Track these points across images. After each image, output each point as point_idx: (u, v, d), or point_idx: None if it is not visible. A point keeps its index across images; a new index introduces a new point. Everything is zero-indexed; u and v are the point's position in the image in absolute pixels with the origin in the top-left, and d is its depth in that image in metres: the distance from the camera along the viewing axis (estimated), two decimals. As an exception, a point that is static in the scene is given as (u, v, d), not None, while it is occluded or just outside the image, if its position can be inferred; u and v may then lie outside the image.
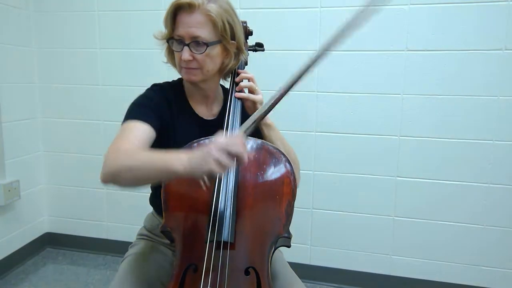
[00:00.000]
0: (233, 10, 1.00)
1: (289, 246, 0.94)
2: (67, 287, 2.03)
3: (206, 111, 1.10)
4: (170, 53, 1.04)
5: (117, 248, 2.29)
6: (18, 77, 2.16)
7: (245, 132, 0.81)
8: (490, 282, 1.89)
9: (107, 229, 2.35)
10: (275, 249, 0.94)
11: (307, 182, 2.02)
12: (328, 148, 1.98)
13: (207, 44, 0.94)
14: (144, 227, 1.20)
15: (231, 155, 0.74)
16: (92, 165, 2.28)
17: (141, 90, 1.05)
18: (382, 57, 1.85)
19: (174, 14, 0.96)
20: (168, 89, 1.07)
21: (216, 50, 0.98)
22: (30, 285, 2.03)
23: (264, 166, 0.96)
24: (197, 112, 1.09)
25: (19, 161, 2.18)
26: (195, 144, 0.97)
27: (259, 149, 0.99)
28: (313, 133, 1.99)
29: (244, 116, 1.01)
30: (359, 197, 1.99)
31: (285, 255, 1.15)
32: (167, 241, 1.01)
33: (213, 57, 0.98)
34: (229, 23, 0.97)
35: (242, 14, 1.03)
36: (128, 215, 2.29)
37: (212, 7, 0.94)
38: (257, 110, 0.87)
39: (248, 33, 1.16)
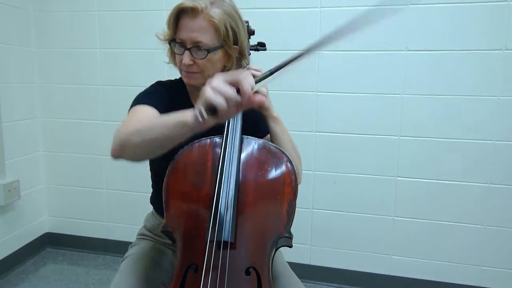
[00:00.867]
0: (238, 14, 0.99)
1: (290, 246, 0.94)
2: (67, 287, 2.03)
3: None
4: (173, 54, 1.04)
5: (117, 248, 2.30)
6: (18, 77, 2.16)
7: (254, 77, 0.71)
8: (490, 282, 1.90)
9: (107, 229, 2.35)
10: (276, 249, 0.93)
11: (307, 182, 2.02)
12: (328, 148, 1.98)
13: (208, 50, 0.94)
14: (144, 226, 1.20)
15: (231, 82, 0.65)
16: (92, 165, 2.28)
17: (141, 90, 1.04)
18: (382, 57, 1.86)
19: (177, 17, 0.95)
20: (172, 86, 1.08)
21: (218, 55, 0.98)
22: (30, 285, 2.03)
23: (265, 166, 0.96)
24: None
25: (19, 161, 2.18)
26: (196, 143, 0.97)
27: (260, 148, 0.98)
28: (313, 133, 1.99)
29: (245, 116, 1.01)
30: (359, 197, 1.99)
31: (285, 255, 1.16)
32: (168, 241, 1.00)
33: (214, 62, 0.98)
34: (232, 28, 0.96)
35: (242, 14, 1.02)
36: (128, 215, 2.29)
37: (216, 13, 0.93)
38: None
39: (250, 32, 1.16)
